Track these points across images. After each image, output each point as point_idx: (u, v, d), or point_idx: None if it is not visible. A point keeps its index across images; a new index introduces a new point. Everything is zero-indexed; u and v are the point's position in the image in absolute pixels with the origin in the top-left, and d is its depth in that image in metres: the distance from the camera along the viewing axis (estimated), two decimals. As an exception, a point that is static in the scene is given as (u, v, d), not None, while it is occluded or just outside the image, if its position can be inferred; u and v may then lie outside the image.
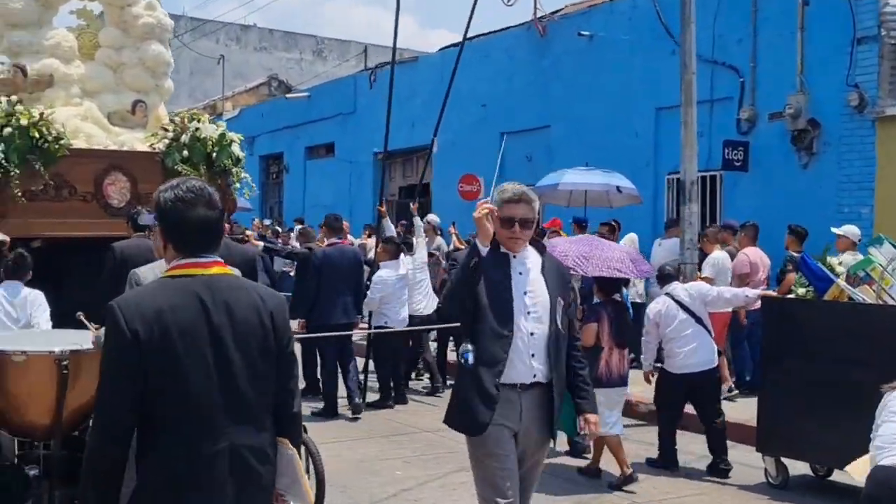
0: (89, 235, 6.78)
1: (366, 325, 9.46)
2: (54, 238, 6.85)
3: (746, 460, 6.65)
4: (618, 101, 13.08)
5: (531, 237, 3.81)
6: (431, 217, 12.63)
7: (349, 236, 12.87)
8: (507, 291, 3.65)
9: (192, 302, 2.41)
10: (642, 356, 6.92)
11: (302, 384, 6.45)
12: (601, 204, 11.13)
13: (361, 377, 9.20)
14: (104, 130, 7.72)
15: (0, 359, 4.05)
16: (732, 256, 9.31)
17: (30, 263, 5.99)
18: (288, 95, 23.58)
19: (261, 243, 10.04)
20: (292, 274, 11.73)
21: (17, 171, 6.74)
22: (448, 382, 9.22)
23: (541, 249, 3.86)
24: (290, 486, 2.57)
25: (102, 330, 3.66)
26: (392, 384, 9.06)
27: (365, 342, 9.35)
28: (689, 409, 6.91)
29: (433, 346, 10.09)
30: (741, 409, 7.76)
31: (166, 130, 7.63)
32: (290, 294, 9.33)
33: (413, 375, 10.21)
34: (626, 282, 8.14)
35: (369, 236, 13.44)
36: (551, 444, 3.90)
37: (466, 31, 10.07)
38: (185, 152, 7.46)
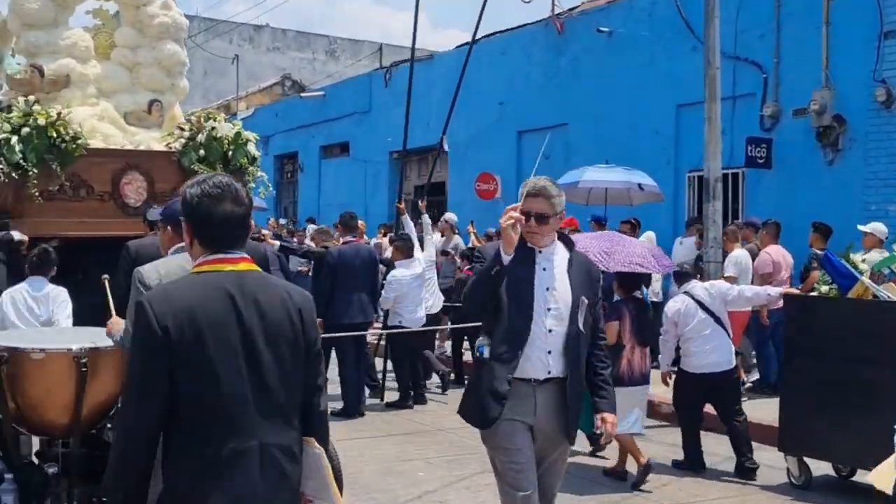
0: (106, 235, 6.77)
1: (381, 325, 9.43)
2: (71, 238, 6.84)
3: (769, 461, 6.55)
4: (637, 99, 12.96)
5: (558, 233, 3.76)
6: (449, 216, 12.59)
7: (364, 237, 12.86)
8: (528, 287, 3.61)
9: (222, 298, 2.38)
10: (660, 356, 6.82)
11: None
12: (621, 202, 11.03)
13: (379, 376, 9.16)
14: (121, 130, 7.72)
15: (19, 357, 4.07)
16: (753, 254, 9.19)
17: (54, 259, 5.99)
18: (303, 94, 23.57)
19: (277, 242, 10.02)
20: (305, 271, 11.70)
21: (35, 171, 6.75)
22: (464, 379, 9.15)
23: (570, 246, 3.81)
24: (319, 490, 2.52)
25: (120, 324, 3.65)
26: (411, 384, 9.01)
27: (381, 342, 9.31)
28: (711, 410, 6.81)
29: (447, 344, 10.05)
30: (766, 409, 7.65)
31: (182, 130, 7.63)
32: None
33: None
34: (647, 280, 8.06)
35: (384, 235, 13.39)
36: (572, 446, 3.85)
37: (476, 32, 10.06)
38: (202, 151, 7.48)
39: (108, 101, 7.89)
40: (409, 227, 9.88)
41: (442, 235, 12.39)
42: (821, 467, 6.22)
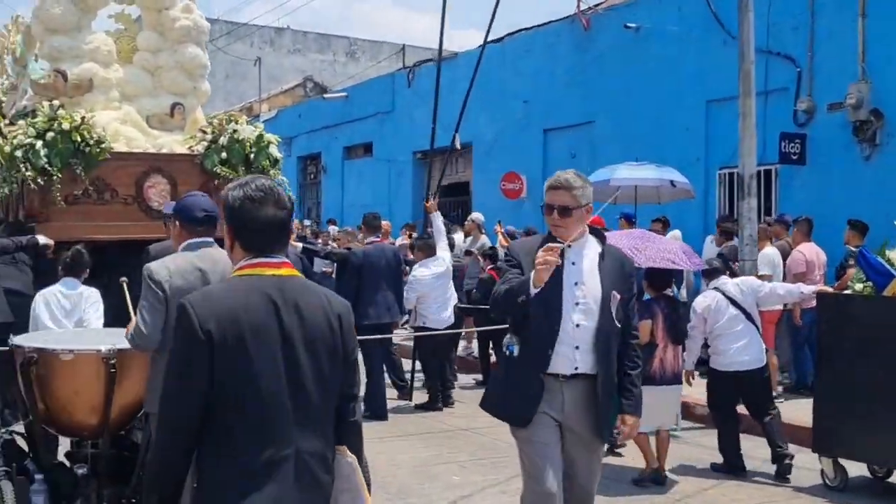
0: (131, 238, 6.78)
1: (407, 325, 9.36)
2: (96, 241, 6.84)
3: (804, 463, 6.38)
4: (666, 95, 12.76)
5: (590, 227, 3.70)
6: (476, 215, 12.49)
7: (389, 237, 12.79)
8: (556, 281, 3.52)
9: (264, 302, 2.35)
10: (685, 353, 6.63)
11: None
12: (650, 200, 10.85)
13: (407, 377, 9.07)
14: (143, 133, 7.75)
15: (48, 358, 4.09)
16: (784, 252, 9.00)
17: (87, 261, 5.99)
18: (326, 95, 23.57)
19: (299, 244, 9.98)
20: (329, 272, 11.65)
21: (60, 176, 6.77)
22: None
23: (602, 240, 3.73)
24: (351, 500, 2.46)
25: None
26: (440, 385, 8.93)
27: (407, 342, 9.22)
28: (744, 410, 6.64)
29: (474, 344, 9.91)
30: (802, 410, 7.46)
31: (204, 133, 7.65)
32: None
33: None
34: (678, 279, 7.91)
35: (409, 236, 13.31)
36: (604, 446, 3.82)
37: (488, 32, 10.04)
38: (224, 154, 7.49)
39: (130, 104, 7.92)
40: (438, 224, 9.68)
41: (468, 235, 12.28)
42: (858, 468, 6.06)
